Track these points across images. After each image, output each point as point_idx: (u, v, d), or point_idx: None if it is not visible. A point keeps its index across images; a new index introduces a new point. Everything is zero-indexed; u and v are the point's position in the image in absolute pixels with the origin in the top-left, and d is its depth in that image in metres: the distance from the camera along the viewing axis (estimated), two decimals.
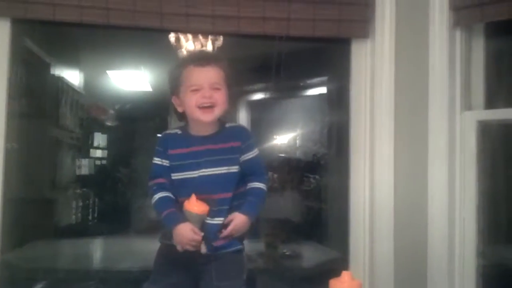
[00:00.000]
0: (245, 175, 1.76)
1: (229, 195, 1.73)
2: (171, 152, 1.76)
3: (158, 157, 1.79)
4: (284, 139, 5.07)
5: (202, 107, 1.72)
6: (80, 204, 4.75)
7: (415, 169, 2.13)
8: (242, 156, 1.76)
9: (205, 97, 1.71)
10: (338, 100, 3.66)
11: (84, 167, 5.07)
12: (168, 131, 1.84)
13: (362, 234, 2.20)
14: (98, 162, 5.45)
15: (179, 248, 1.70)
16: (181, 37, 3.13)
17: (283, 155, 4.77)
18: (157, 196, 1.74)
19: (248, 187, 1.77)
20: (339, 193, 2.94)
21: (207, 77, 1.73)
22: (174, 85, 1.78)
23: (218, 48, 3.18)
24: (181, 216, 1.68)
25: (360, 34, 2.23)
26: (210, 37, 3.09)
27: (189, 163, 1.73)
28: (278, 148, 5.05)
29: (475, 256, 2.06)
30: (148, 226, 3.75)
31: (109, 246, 3.76)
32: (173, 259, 1.73)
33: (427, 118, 2.13)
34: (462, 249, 2.07)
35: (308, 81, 4.77)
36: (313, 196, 4.01)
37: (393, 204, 2.13)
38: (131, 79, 5.39)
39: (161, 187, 1.75)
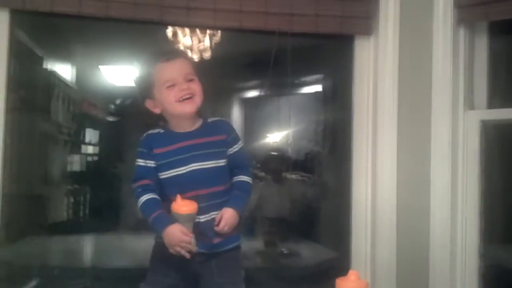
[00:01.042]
0: (230, 168, 1.75)
1: (220, 188, 1.72)
2: (156, 151, 1.72)
3: (141, 158, 1.73)
4: (278, 137, 5.05)
5: (182, 100, 1.69)
6: (72, 200, 4.68)
7: (418, 169, 2.12)
8: (229, 149, 1.76)
9: (183, 89, 1.69)
10: (334, 98, 3.64)
11: (76, 163, 5.00)
12: (150, 132, 1.78)
13: (364, 234, 2.18)
14: (90, 158, 5.39)
15: (171, 250, 1.66)
16: (179, 32, 3.09)
17: (276, 153, 4.75)
18: (143, 198, 1.68)
19: (234, 180, 1.77)
20: (336, 191, 2.93)
21: (180, 69, 1.71)
22: (146, 88, 1.74)
23: (215, 43, 3.14)
24: (169, 217, 1.65)
25: (364, 31, 2.21)
26: (208, 32, 3.05)
27: (177, 160, 1.70)
28: (272, 146, 5.02)
29: (477, 257, 2.06)
30: (141, 223, 3.71)
31: (102, 243, 3.72)
32: (170, 259, 1.69)
33: (430, 117, 2.12)
34: (464, 250, 2.06)
35: (303, 79, 4.74)
36: (308, 195, 3.98)
37: (395, 203, 2.11)
38: (123, 75, 5.33)
39: (146, 189, 1.69)
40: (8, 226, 2.20)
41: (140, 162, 1.73)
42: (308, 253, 3.11)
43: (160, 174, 1.71)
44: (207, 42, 3.12)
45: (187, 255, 1.64)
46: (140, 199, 1.69)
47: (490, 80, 2.16)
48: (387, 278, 2.10)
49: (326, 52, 3.25)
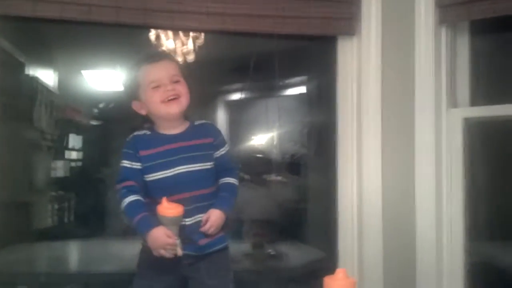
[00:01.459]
0: (217, 171, 1.76)
1: (206, 191, 1.72)
2: (142, 153, 1.71)
3: (127, 159, 1.72)
4: (263, 139, 5.05)
5: (167, 101, 1.69)
6: (57, 207, 4.64)
7: (403, 168, 2.14)
8: (216, 153, 1.76)
9: (167, 90, 1.69)
10: (319, 99, 3.65)
11: (60, 169, 4.95)
12: (136, 133, 1.78)
13: (350, 233, 2.19)
14: (73, 164, 5.34)
15: (155, 253, 1.65)
16: (162, 35, 3.08)
17: (262, 155, 4.75)
18: (127, 200, 1.66)
19: (220, 182, 1.77)
20: (321, 192, 2.94)
21: (165, 71, 1.71)
22: (132, 89, 1.74)
23: (199, 46, 3.14)
24: (154, 220, 1.63)
25: (346, 32, 2.22)
26: (191, 34, 3.05)
27: (163, 162, 1.69)
28: (257, 148, 5.02)
29: (463, 254, 2.08)
30: (128, 228, 3.69)
31: (88, 248, 3.68)
32: (158, 262, 1.68)
33: (413, 116, 2.14)
34: (450, 247, 2.08)
35: (288, 81, 4.76)
36: (294, 196, 3.99)
37: (381, 203, 2.13)
38: (106, 79, 5.30)
39: (131, 190, 1.68)
40: None
41: (126, 163, 1.72)
42: (295, 253, 3.11)
43: (146, 176, 1.70)
44: (190, 45, 3.12)
45: (180, 252, 1.63)
46: (124, 200, 1.67)
47: (472, 78, 2.19)
48: (374, 276, 2.11)
49: (310, 53, 3.26)
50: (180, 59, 3.16)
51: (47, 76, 4.59)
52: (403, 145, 2.14)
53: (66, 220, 4.77)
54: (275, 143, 4.71)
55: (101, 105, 5.85)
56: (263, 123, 4.74)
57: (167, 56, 1.81)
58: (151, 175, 1.70)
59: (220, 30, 2.16)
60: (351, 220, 2.20)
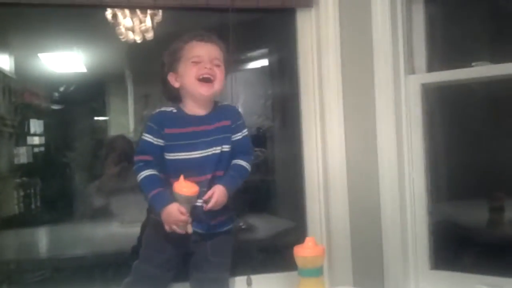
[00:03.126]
0: (232, 153, 1.79)
1: (222, 173, 1.76)
2: (167, 131, 1.74)
3: (150, 134, 1.75)
4: None
5: (202, 80, 1.69)
6: (22, 193, 4.57)
7: (365, 134, 2.18)
8: (233, 136, 1.79)
9: (205, 68, 1.72)
10: (281, 72, 3.66)
11: (23, 155, 4.86)
12: (163, 109, 1.81)
13: (317, 201, 2.24)
14: (36, 149, 5.24)
15: (167, 228, 1.68)
16: (119, 13, 3.02)
17: None
18: (144, 174, 1.71)
19: (232, 163, 1.80)
20: (288, 163, 2.97)
21: (209, 51, 1.75)
22: (173, 60, 1.77)
23: (157, 23, 3.10)
24: (169, 196, 1.68)
25: (304, 3, 2.24)
26: (148, 12, 3.00)
27: (186, 144, 1.72)
28: None
29: (426, 214, 2.15)
30: (96, 211, 3.66)
31: (57, 233, 3.66)
32: (167, 236, 1.73)
33: (373, 84, 2.18)
34: (414, 208, 2.15)
35: (249, 54, 4.74)
36: (261, 169, 4.02)
37: (345, 170, 2.18)
38: (64, 61, 5.19)
39: (148, 165, 1.73)
40: None
41: (148, 137, 1.75)
42: (265, 225, 3.15)
43: (167, 154, 1.73)
44: (148, 22, 3.07)
45: (190, 229, 1.69)
46: (141, 174, 1.72)
47: (428, 44, 2.23)
48: (342, 242, 2.17)
49: (269, 26, 3.26)
50: (138, 37, 3.12)
51: (2, 60, 4.47)
52: (364, 113, 2.19)
53: (33, 206, 4.71)
54: None
55: (61, 89, 5.74)
56: (227, 98, 4.74)
57: (217, 41, 1.81)
58: (171, 154, 1.73)
59: (177, 6, 2.15)
60: (317, 189, 2.24)
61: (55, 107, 5.69)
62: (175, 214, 1.66)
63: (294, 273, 1.83)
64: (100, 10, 3.04)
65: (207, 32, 1.83)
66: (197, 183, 1.69)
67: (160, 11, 3.07)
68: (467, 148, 2.28)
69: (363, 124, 2.18)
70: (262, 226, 3.12)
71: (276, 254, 2.57)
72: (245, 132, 1.84)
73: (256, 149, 4.39)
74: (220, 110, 1.82)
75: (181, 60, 1.76)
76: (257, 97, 4.84)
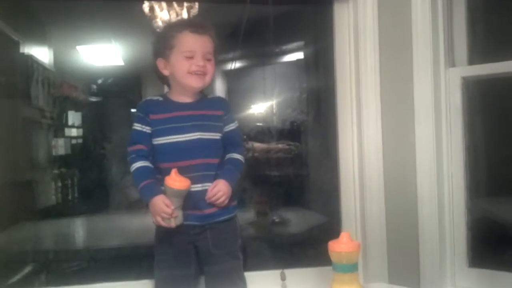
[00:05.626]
0: (224, 145, 1.81)
1: (214, 161, 1.77)
2: (152, 117, 1.76)
3: (138, 122, 1.78)
4: (262, 108, 5.04)
5: (194, 74, 1.72)
6: (60, 184, 4.67)
7: (403, 129, 2.13)
8: (225, 127, 1.81)
9: (198, 65, 1.74)
10: (317, 65, 3.64)
11: (61, 146, 4.97)
12: (149, 98, 1.84)
13: (352, 197, 2.21)
14: (74, 141, 5.36)
15: (153, 220, 1.71)
16: (155, 6, 3.05)
17: (261, 124, 4.75)
18: (136, 165, 1.73)
19: (226, 157, 1.81)
20: (323, 157, 2.96)
21: (202, 45, 1.75)
22: (163, 46, 1.78)
23: (193, 16, 3.11)
24: (157, 188, 1.69)
25: None
26: (185, 5, 3.01)
27: (172, 127, 1.73)
28: (256, 117, 5.02)
29: (465, 211, 2.09)
30: (132, 202, 3.72)
31: (93, 224, 3.73)
32: (169, 231, 1.73)
33: (412, 77, 2.12)
34: (452, 205, 2.09)
35: (285, 47, 4.72)
36: (295, 163, 4.01)
37: (382, 164, 2.14)
38: (102, 54, 5.27)
39: (140, 155, 1.74)
40: None
41: (137, 126, 1.78)
42: (299, 219, 3.15)
43: (154, 139, 1.75)
44: (184, 15, 3.09)
45: (173, 224, 1.68)
46: (133, 165, 1.74)
47: (469, 37, 2.17)
48: (377, 237, 2.13)
49: (306, 18, 3.23)
50: None
51: (42, 53, 4.56)
52: (403, 107, 2.14)
53: (70, 197, 4.81)
54: (274, 111, 4.71)
55: (99, 81, 5.83)
56: (261, 91, 4.73)
57: (211, 32, 1.81)
58: (159, 138, 1.75)
59: None
60: (352, 184, 2.21)
61: (92, 99, 5.81)
62: (159, 206, 1.66)
63: (328, 268, 1.80)
64: (137, 3, 3.07)
65: (202, 21, 1.83)
66: (188, 167, 1.70)
67: (197, 3, 3.09)
68: (508, 143, 2.21)
69: (401, 118, 2.13)
70: (296, 220, 3.12)
71: (310, 249, 2.56)
72: (236, 123, 1.86)
73: (290, 143, 4.40)
74: (210, 101, 1.84)
75: (173, 50, 1.76)
76: (292, 91, 4.83)
